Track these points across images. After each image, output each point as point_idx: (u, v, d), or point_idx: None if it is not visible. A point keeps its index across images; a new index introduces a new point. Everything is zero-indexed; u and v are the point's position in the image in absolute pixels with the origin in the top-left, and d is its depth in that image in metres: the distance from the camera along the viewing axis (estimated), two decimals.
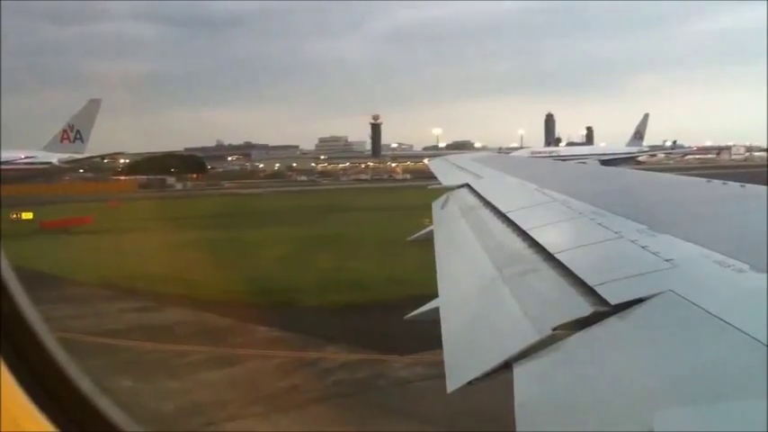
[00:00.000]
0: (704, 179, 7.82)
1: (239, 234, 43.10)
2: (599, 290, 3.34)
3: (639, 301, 3.06)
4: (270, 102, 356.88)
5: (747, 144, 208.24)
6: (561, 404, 2.63)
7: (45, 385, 2.48)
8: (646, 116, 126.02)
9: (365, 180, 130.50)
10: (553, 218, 6.11)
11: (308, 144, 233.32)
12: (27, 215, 53.68)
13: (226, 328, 20.81)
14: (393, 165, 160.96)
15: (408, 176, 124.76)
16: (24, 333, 2.55)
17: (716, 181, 7.31)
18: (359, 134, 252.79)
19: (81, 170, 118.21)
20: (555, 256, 4.38)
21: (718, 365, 2.42)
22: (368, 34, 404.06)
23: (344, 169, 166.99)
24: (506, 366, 3.00)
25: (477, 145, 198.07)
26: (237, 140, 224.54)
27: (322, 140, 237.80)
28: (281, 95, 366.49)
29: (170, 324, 21.55)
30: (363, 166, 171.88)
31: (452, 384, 3.22)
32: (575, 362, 2.89)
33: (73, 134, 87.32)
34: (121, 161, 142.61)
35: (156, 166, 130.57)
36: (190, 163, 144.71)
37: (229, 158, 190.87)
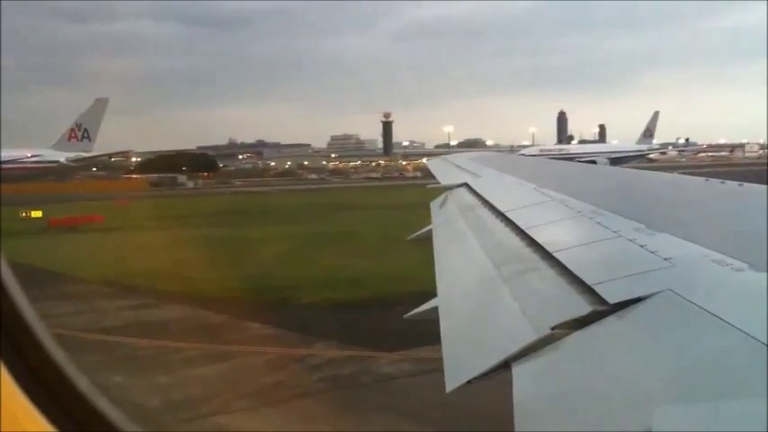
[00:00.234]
0: (702, 178, 7.88)
1: (242, 232, 43.60)
2: (597, 289, 3.35)
3: (638, 300, 3.07)
4: (282, 100, 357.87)
5: (761, 141, 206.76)
6: (560, 403, 2.64)
7: (44, 385, 2.48)
8: (656, 114, 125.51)
9: (375, 178, 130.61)
10: (551, 217, 6.11)
11: (320, 142, 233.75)
12: (36, 213, 54.18)
13: (221, 325, 21.03)
14: (404, 163, 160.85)
15: (419, 174, 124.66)
16: (23, 332, 2.55)
17: (714, 180, 7.34)
18: (371, 132, 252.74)
19: (94, 168, 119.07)
20: (553, 255, 4.39)
21: (717, 364, 2.42)
22: (381, 32, 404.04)
23: (355, 167, 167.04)
24: (505, 366, 3.02)
25: (489, 143, 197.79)
26: (250, 139, 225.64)
27: (334, 138, 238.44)
28: (294, 94, 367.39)
29: (165, 321, 21.78)
30: (374, 164, 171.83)
31: (451, 383, 3.23)
32: (573, 361, 2.89)
33: (80, 133, 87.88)
34: (133, 159, 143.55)
35: (167, 164, 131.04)
36: (201, 161, 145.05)
37: (240, 157, 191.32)
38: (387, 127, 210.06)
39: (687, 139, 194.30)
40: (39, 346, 2.56)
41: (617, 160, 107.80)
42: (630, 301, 3.07)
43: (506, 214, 6.64)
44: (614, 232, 4.65)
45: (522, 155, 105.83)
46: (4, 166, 73.35)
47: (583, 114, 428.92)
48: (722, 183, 7.00)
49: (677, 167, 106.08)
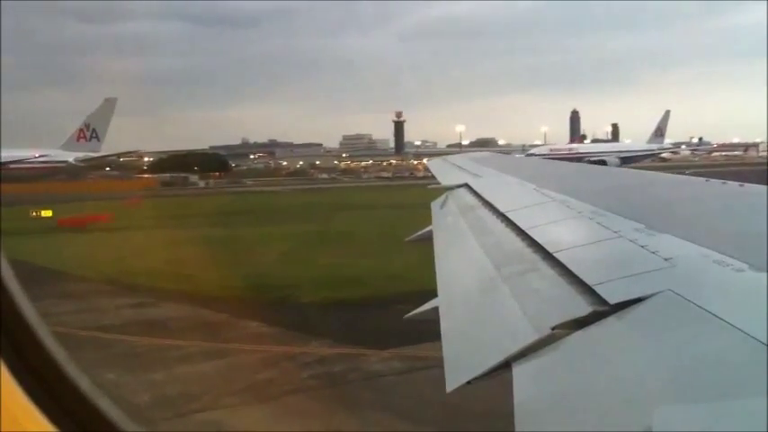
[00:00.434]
0: (703, 178, 7.93)
1: (244, 231, 44.06)
2: (598, 289, 3.36)
3: (638, 300, 3.08)
4: (295, 100, 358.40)
5: None
6: (560, 403, 2.64)
7: (44, 384, 2.49)
8: (667, 113, 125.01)
9: (386, 178, 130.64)
10: (552, 217, 6.13)
11: (333, 142, 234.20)
12: (46, 213, 54.64)
13: (219, 324, 21.21)
14: (415, 162, 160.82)
15: (430, 174, 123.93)
16: (23, 331, 2.55)
17: (715, 180, 7.41)
18: (383, 132, 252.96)
19: (107, 168, 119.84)
20: (554, 255, 4.40)
21: (717, 364, 2.42)
22: (393, 32, 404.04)
23: (366, 167, 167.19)
24: (506, 366, 3.02)
25: (501, 142, 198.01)
26: (262, 138, 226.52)
27: (346, 138, 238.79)
28: (306, 93, 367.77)
29: (162, 319, 21.93)
30: (385, 163, 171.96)
31: (452, 384, 3.23)
32: (574, 361, 2.90)
33: (89, 133, 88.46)
34: (145, 159, 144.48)
35: (179, 164, 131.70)
36: (212, 161, 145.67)
37: (252, 156, 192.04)
38: (398, 127, 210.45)
39: (700, 139, 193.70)
40: (39, 344, 2.57)
41: (627, 160, 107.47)
42: (631, 301, 3.08)
43: (507, 214, 6.66)
44: (615, 232, 4.67)
45: (532, 154, 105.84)
46: (11, 166, 73.99)
47: (596, 113, 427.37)
48: (723, 183, 7.05)
49: (690, 167, 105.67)
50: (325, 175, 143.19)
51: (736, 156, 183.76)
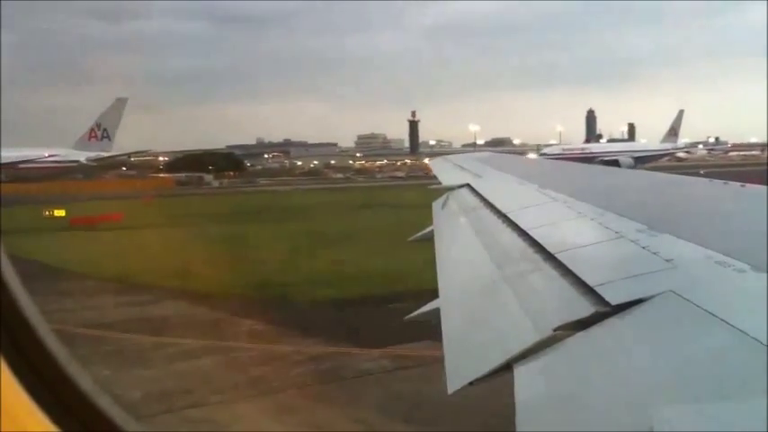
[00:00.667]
0: (706, 179, 7.98)
1: (257, 229, 44.56)
2: (599, 290, 3.36)
3: (640, 301, 3.07)
4: (310, 99, 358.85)
5: None
6: (562, 404, 2.63)
7: (45, 382, 2.48)
8: (681, 113, 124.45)
9: (400, 177, 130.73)
10: (553, 218, 6.12)
11: (348, 142, 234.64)
12: (59, 212, 55.17)
13: (215, 322, 21.44)
14: (428, 162, 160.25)
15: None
16: (24, 329, 2.54)
17: (717, 181, 7.45)
18: (398, 131, 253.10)
19: (123, 168, 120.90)
20: (555, 256, 4.39)
21: (719, 365, 2.43)
22: (408, 30, 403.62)
23: (380, 167, 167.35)
24: (507, 367, 3.02)
25: (516, 142, 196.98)
26: (278, 138, 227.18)
27: (361, 138, 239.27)
28: (321, 93, 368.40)
29: (159, 317, 22.19)
30: (399, 163, 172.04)
31: (453, 385, 3.23)
32: (576, 362, 2.90)
33: (100, 132, 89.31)
34: (160, 159, 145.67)
35: (194, 163, 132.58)
36: (227, 160, 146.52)
37: (266, 156, 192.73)
38: (413, 126, 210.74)
39: (717, 138, 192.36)
40: (39, 343, 2.56)
41: (641, 159, 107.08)
42: (632, 302, 3.08)
43: (508, 215, 6.66)
44: (616, 233, 4.68)
45: (544, 154, 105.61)
46: (22, 165, 74.91)
47: (613, 113, 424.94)
48: (725, 184, 7.07)
49: (705, 167, 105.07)
50: (339, 175, 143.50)
51: (753, 156, 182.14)
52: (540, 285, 4.13)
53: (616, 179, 10.57)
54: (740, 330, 2.51)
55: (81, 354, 15.63)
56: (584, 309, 3.24)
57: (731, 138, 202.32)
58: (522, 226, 5.82)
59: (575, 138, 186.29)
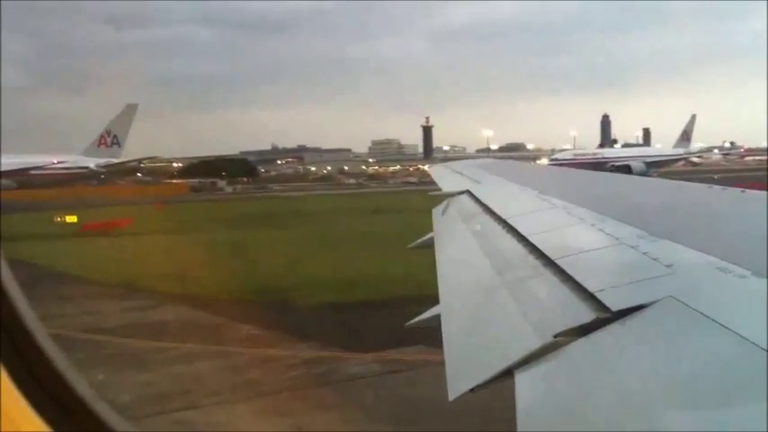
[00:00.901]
0: (705, 185, 7.93)
1: (260, 235, 45.17)
2: (600, 296, 3.35)
3: (641, 307, 3.06)
4: (324, 105, 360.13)
5: None
6: (563, 411, 2.63)
7: (43, 387, 2.49)
8: (693, 117, 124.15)
9: (412, 183, 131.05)
10: (553, 224, 6.13)
11: (362, 147, 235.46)
12: (71, 218, 55.63)
13: (211, 327, 21.52)
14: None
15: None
16: (23, 334, 2.55)
17: (716, 186, 7.42)
18: (412, 137, 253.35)
19: (138, 174, 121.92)
20: (555, 262, 4.39)
21: (720, 371, 2.42)
22: (422, 36, 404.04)
23: (393, 172, 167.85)
24: (508, 373, 3.03)
25: (530, 147, 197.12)
26: (292, 144, 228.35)
27: (375, 143, 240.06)
28: (336, 99, 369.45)
29: (159, 322, 22.29)
30: (412, 168, 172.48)
31: (454, 392, 3.22)
32: (576, 368, 2.89)
33: (110, 139, 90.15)
34: (174, 165, 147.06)
35: (208, 169, 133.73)
36: (241, 166, 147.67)
37: (279, 162, 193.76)
38: (427, 132, 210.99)
39: (732, 143, 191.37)
40: (38, 348, 2.57)
41: (653, 164, 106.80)
42: (633, 308, 3.07)
43: (508, 221, 6.65)
44: (616, 239, 4.68)
45: (556, 159, 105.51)
46: (32, 172, 75.77)
47: (629, 118, 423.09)
48: (724, 189, 7.09)
49: (720, 171, 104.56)
50: (352, 180, 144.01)
51: None
52: (540, 291, 4.14)
53: (616, 185, 10.58)
54: (741, 336, 2.50)
55: (81, 357, 16.02)
56: (585, 315, 3.23)
57: (746, 142, 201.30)
58: (522, 232, 5.81)
59: (590, 143, 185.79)
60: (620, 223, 5.21)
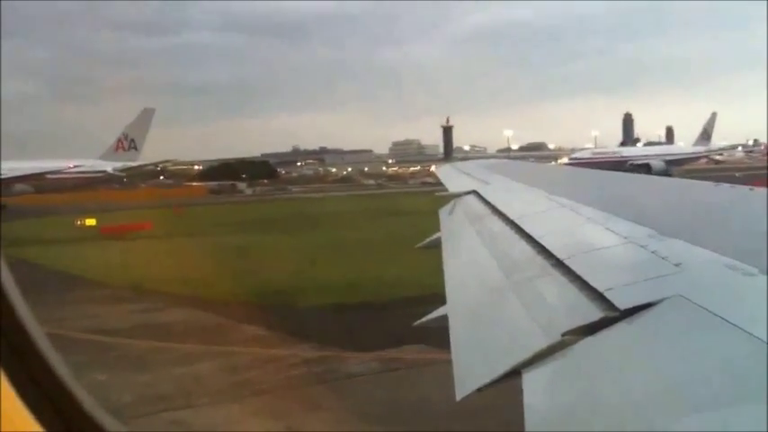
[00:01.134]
0: (713, 183, 7.80)
1: (272, 238, 45.50)
2: (608, 295, 3.34)
3: (649, 305, 3.05)
4: (345, 107, 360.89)
5: None
6: (571, 410, 2.61)
7: (41, 390, 2.50)
8: (713, 115, 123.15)
9: (431, 183, 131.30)
10: (561, 223, 6.13)
11: (383, 148, 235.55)
12: (90, 222, 56.38)
13: (217, 328, 21.85)
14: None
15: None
16: (22, 337, 2.55)
17: (725, 185, 7.34)
18: (432, 137, 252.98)
19: (161, 177, 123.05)
20: (563, 261, 4.38)
21: (729, 369, 2.39)
22: (443, 36, 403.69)
23: (413, 173, 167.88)
24: (516, 373, 3.02)
25: (551, 146, 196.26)
26: (313, 146, 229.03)
27: (395, 144, 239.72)
28: (357, 100, 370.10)
29: (162, 324, 22.59)
30: (430, 169, 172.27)
31: (461, 392, 3.23)
32: (584, 367, 2.88)
33: (127, 143, 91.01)
34: (195, 168, 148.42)
35: (228, 172, 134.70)
36: (260, 168, 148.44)
37: (298, 164, 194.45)
38: (447, 132, 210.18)
39: (755, 140, 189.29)
40: (36, 351, 2.57)
41: (672, 163, 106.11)
42: (641, 306, 3.05)
43: (515, 221, 6.64)
44: (624, 238, 4.67)
45: (575, 158, 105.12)
46: (48, 176, 76.63)
47: (652, 117, 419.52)
48: (733, 187, 7.05)
49: (743, 169, 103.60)
50: (371, 182, 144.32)
51: None
52: (547, 290, 4.10)
53: (624, 184, 10.56)
54: (750, 334, 2.48)
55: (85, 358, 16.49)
56: (593, 313, 3.22)
57: None
58: (530, 232, 5.79)
59: (612, 142, 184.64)
60: (628, 222, 5.17)
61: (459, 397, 3.20)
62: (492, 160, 31.10)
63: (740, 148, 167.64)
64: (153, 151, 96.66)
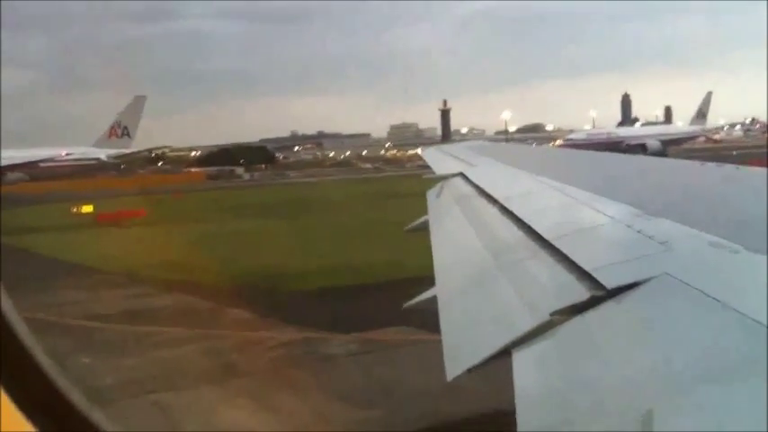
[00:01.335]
0: (699, 162, 7.92)
1: (264, 223, 45.85)
2: (595, 274, 3.38)
3: (636, 284, 3.08)
4: (343, 91, 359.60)
5: None
6: (561, 389, 2.64)
7: (35, 392, 2.51)
8: (709, 94, 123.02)
9: (428, 166, 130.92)
10: (548, 204, 6.16)
11: (381, 132, 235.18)
12: (87, 209, 56.53)
13: (204, 312, 22.18)
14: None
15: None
16: (13, 341, 2.57)
17: (711, 164, 7.38)
18: (430, 121, 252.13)
19: (160, 163, 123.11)
20: (550, 241, 4.40)
21: (717, 347, 2.42)
22: (442, 19, 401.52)
23: (410, 156, 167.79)
24: (505, 353, 3.05)
25: (549, 128, 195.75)
26: (311, 130, 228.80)
27: (393, 128, 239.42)
28: (355, 85, 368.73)
29: (147, 308, 23.02)
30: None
31: (452, 372, 3.26)
32: (573, 347, 2.92)
33: (120, 130, 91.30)
34: (193, 154, 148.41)
35: (226, 157, 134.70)
36: (259, 153, 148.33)
37: (296, 149, 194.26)
38: (445, 115, 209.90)
39: (753, 119, 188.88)
40: (28, 354, 2.59)
41: (668, 143, 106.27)
42: (628, 285, 3.10)
43: (503, 203, 6.67)
44: (611, 218, 4.72)
45: (570, 139, 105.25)
46: (42, 164, 76.85)
47: (651, 97, 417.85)
48: (719, 166, 7.09)
49: (740, 147, 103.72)
50: (368, 165, 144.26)
51: None
52: (535, 271, 4.14)
53: (611, 165, 10.57)
54: (736, 311, 2.50)
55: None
56: (580, 293, 3.26)
57: None
58: (516, 213, 5.83)
59: (611, 122, 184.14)
60: (615, 202, 5.19)
61: (449, 377, 3.24)
62: (479, 142, 31.16)
63: (738, 127, 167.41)
64: (151, 138, 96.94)
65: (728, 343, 2.39)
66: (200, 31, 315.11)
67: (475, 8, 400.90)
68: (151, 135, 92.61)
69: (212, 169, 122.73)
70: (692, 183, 6.65)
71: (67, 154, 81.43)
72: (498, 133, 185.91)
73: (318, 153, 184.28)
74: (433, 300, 4.84)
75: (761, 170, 5.75)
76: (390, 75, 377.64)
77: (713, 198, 5.45)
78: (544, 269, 4.06)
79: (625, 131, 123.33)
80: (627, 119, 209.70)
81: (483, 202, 7.55)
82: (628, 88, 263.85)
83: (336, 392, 14.74)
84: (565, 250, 4.06)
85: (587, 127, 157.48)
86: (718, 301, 2.65)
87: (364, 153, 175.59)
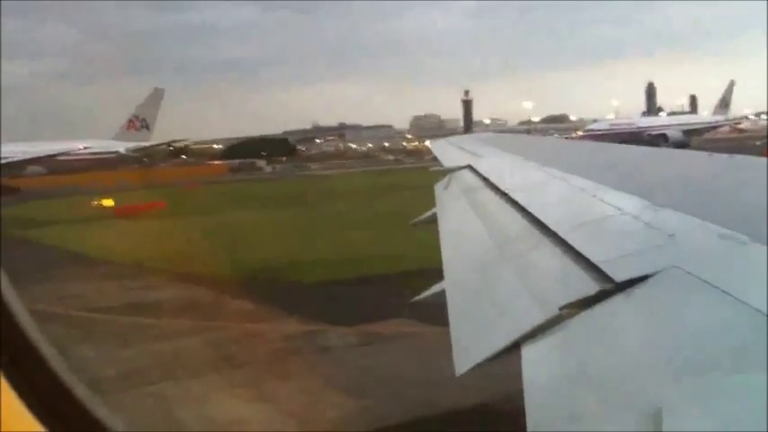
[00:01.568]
0: (706, 153, 7.85)
1: (281, 215, 46.44)
2: (603, 267, 3.36)
3: (645, 277, 3.06)
4: (365, 83, 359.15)
5: None
6: (570, 383, 2.63)
7: (42, 391, 2.49)
8: (731, 83, 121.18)
9: None
10: (556, 196, 6.14)
11: (403, 123, 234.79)
12: (108, 202, 57.16)
13: (208, 304, 22.25)
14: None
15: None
16: (21, 339, 2.56)
17: (718, 155, 7.29)
18: (452, 111, 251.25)
19: (183, 156, 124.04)
20: (558, 234, 4.38)
21: (725, 338, 2.42)
22: (464, 9, 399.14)
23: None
24: (515, 347, 3.05)
25: (573, 118, 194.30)
26: (333, 122, 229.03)
27: (416, 119, 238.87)
28: (376, 76, 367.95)
29: (151, 300, 23.21)
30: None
31: (461, 367, 3.27)
32: (582, 340, 2.91)
33: (139, 123, 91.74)
34: (215, 147, 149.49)
35: (248, 149, 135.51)
36: (280, 146, 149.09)
37: (317, 141, 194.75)
38: (467, 105, 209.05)
39: None
40: (36, 351, 2.57)
41: (690, 133, 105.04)
42: (637, 278, 3.08)
43: (511, 195, 6.64)
44: (619, 209, 4.68)
45: (590, 130, 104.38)
46: (58, 158, 77.39)
47: (676, 86, 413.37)
48: (727, 157, 7.03)
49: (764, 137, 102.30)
50: (390, 157, 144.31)
51: None
52: (544, 264, 4.15)
53: (619, 156, 10.45)
54: (744, 303, 2.49)
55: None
56: (589, 286, 3.25)
57: None
58: (524, 205, 5.79)
59: (635, 112, 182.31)
60: (622, 194, 5.15)
61: (459, 372, 3.24)
62: (487, 133, 31.06)
63: (764, 116, 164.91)
64: (171, 130, 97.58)
65: (739, 335, 2.39)
66: (215, 21, 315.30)
67: None
68: (168, 127, 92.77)
69: (234, 162, 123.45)
70: (698, 174, 6.65)
71: (85, 147, 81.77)
72: (521, 123, 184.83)
73: (341, 145, 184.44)
74: (442, 294, 4.85)
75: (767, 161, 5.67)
76: (412, 64, 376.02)
77: (723, 189, 5.38)
78: (552, 262, 4.06)
79: (646, 121, 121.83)
80: (651, 108, 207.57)
81: (491, 194, 7.53)
82: (653, 76, 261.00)
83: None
84: (573, 243, 4.05)
85: (610, 116, 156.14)
86: (727, 293, 2.64)
87: (386, 144, 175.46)
